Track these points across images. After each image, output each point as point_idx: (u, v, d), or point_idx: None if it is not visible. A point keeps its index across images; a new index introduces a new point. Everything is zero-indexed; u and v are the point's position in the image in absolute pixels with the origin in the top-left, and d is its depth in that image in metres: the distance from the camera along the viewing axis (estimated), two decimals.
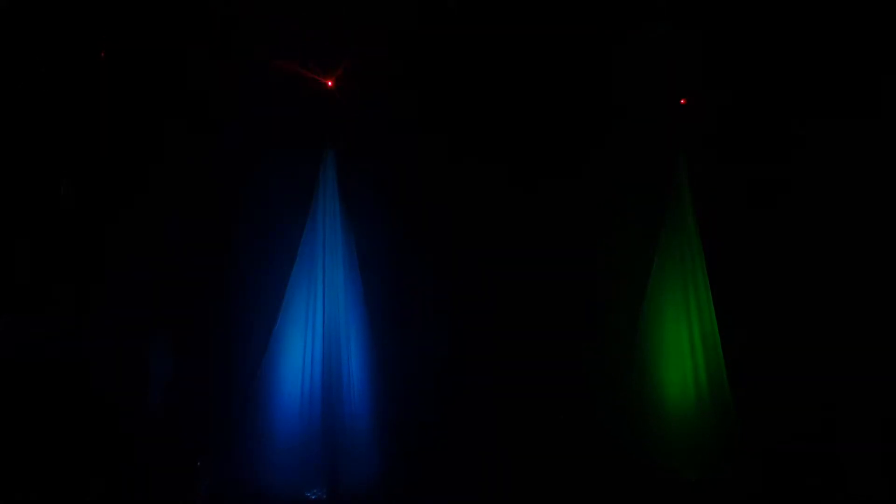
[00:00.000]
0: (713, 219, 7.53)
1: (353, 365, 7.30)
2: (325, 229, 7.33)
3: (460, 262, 7.59)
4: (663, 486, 7.31)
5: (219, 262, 7.34)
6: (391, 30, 7.53)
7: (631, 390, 7.53)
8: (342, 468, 7.11)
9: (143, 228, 7.37)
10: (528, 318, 7.53)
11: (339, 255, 7.34)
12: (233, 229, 7.37)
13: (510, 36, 7.58)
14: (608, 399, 7.50)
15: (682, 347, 7.51)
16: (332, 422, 7.13)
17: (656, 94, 7.62)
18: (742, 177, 7.58)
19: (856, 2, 7.47)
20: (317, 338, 7.23)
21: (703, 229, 7.53)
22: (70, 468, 6.97)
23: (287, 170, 7.42)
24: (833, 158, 7.48)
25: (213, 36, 7.49)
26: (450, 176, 7.61)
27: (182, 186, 7.40)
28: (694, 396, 7.47)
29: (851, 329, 7.36)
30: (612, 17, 7.58)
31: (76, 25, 7.38)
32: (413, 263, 7.57)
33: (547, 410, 7.44)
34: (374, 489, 7.19)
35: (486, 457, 7.33)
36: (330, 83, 7.42)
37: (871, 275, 7.43)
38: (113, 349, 7.21)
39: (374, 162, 7.53)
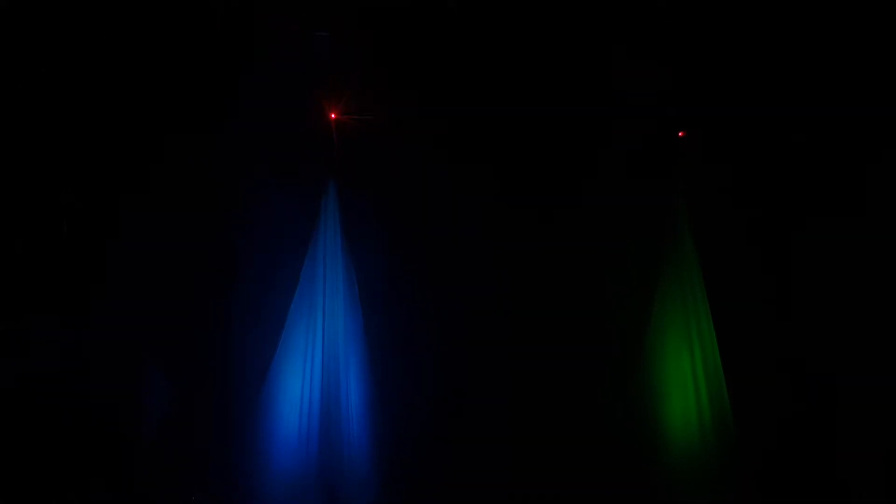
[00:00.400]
0: (714, 250, 7.44)
1: (352, 395, 7.25)
2: (327, 258, 7.30)
3: (461, 293, 7.49)
4: None
5: (220, 288, 7.31)
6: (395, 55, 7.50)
7: (634, 419, 7.44)
8: (341, 498, 7.10)
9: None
10: (530, 349, 7.38)
11: (340, 284, 7.31)
12: (235, 258, 7.35)
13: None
14: (611, 428, 7.40)
15: (685, 378, 7.43)
16: (331, 452, 7.10)
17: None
18: (742, 209, 7.45)
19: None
20: (316, 368, 7.21)
21: (704, 260, 7.44)
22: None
23: (289, 199, 7.37)
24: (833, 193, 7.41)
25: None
26: (452, 205, 7.52)
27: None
28: (696, 425, 7.38)
29: (854, 359, 7.24)
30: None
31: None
32: (414, 293, 7.48)
33: (550, 439, 7.32)
34: None
35: (487, 487, 7.24)
36: (333, 115, 7.40)
37: (873, 309, 7.31)
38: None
39: (376, 192, 7.46)
